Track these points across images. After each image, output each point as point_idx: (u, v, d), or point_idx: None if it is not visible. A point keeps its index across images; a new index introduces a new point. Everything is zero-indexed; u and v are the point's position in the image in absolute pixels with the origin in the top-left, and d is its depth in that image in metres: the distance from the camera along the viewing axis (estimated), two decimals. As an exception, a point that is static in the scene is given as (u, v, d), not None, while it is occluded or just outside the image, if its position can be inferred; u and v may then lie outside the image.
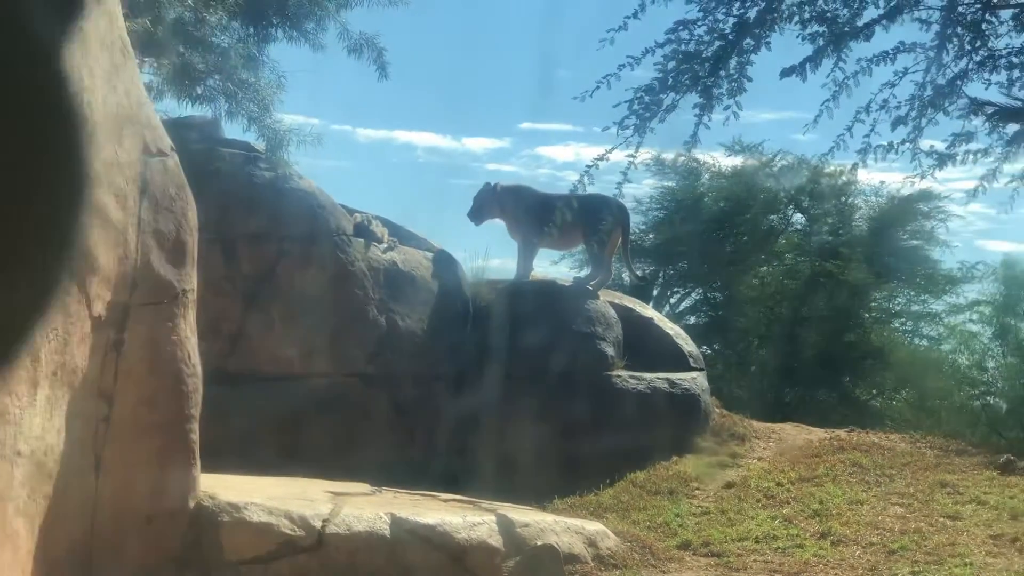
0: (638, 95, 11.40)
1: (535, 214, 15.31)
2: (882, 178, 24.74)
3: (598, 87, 11.48)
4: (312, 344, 13.37)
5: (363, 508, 10.38)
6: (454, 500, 11.52)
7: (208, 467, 9.71)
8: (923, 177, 13.49)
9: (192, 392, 9.13)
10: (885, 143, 12.89)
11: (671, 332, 15.95)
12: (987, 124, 13.36)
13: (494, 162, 41.27)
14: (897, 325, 23.32)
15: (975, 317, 23.53)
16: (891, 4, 11.91)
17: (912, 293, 23.30)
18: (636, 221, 22.97)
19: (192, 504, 9.43)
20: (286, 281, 13.39)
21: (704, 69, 11.26)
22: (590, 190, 13.35)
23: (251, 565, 9.54)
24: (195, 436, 9.30)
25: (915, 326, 23.45)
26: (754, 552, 11.75)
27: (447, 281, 14.73)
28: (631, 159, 11.84)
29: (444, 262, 14.95)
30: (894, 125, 12.60)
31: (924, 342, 23.33)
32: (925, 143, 13.26)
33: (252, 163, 13.42)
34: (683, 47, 11.35)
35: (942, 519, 12.62)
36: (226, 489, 9.88)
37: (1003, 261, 23.34)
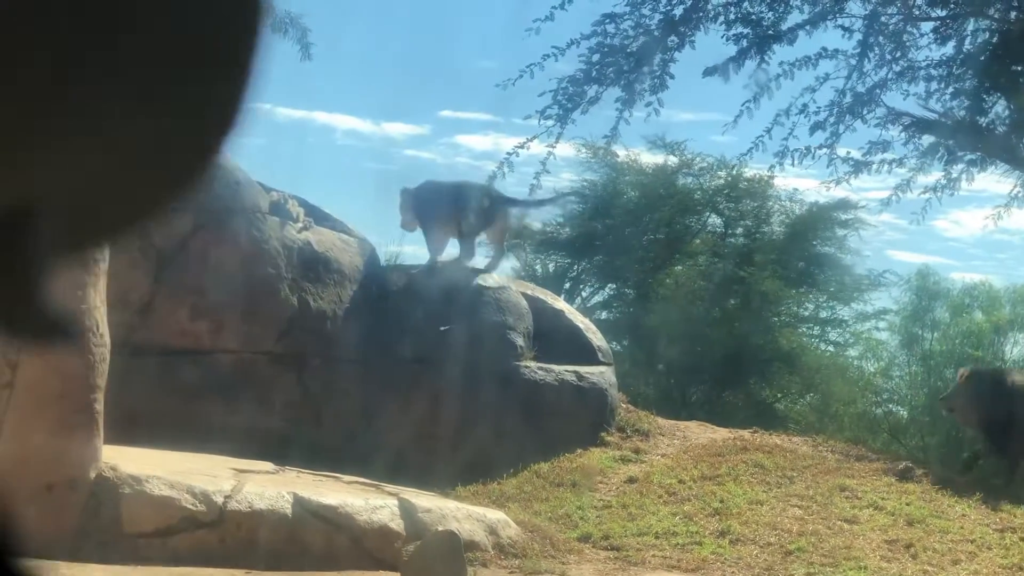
0: (562, 86, 11.46)
1: (430, 203, 15.35)
2: (798, 184, 24.92)
3: (521, 76, 11.55)
4: (221, 320, 13.29)
5: (265, 486, 10.36)
6: (357, 482, 11.51)
7: (111, 439, 9.65)
8: (838, 183, 13.68)
9: (99, 362, 9.07)
10: (803, 147, 13.05)
11: (581, 325, 15.99)
12: (903, 134, 13.56)
13: (412, 148, 41.18)
14: (805, 330, 23.53)
15: (882, 325, 23.83)
16: (815, 9, 12.03)
17: (822, 299, 23.52)
18: (552, 213, 23.02)
19: (93, 474, 9.37)
20: (198, 255, 13.29)
21: (628, 64, 11.32)
22: (508, 180, 13.40)
23: (150, 538, 9.50)
24: (99, 406, 9.24)
25: (823, 331, 23.69)
26: (653, 547, 11.82)
27: (361, 264, 14.69)
28: (551, 149, 11.90)
29: (358, 245, 14.91)
30: (812, 130, 12.76)
31: (831, 348, 23.59)
32: (842, 150, 13.44)
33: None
34: (608, 41, 11.42)
35: (839, 522, 12.76)
36: (128, 461, 9.82)
37: (917, 272, 23.64)
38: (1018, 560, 12.15)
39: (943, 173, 13.82)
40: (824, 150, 13.04)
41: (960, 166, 13.74)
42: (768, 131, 12.55)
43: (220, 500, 9.84)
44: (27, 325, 0.82)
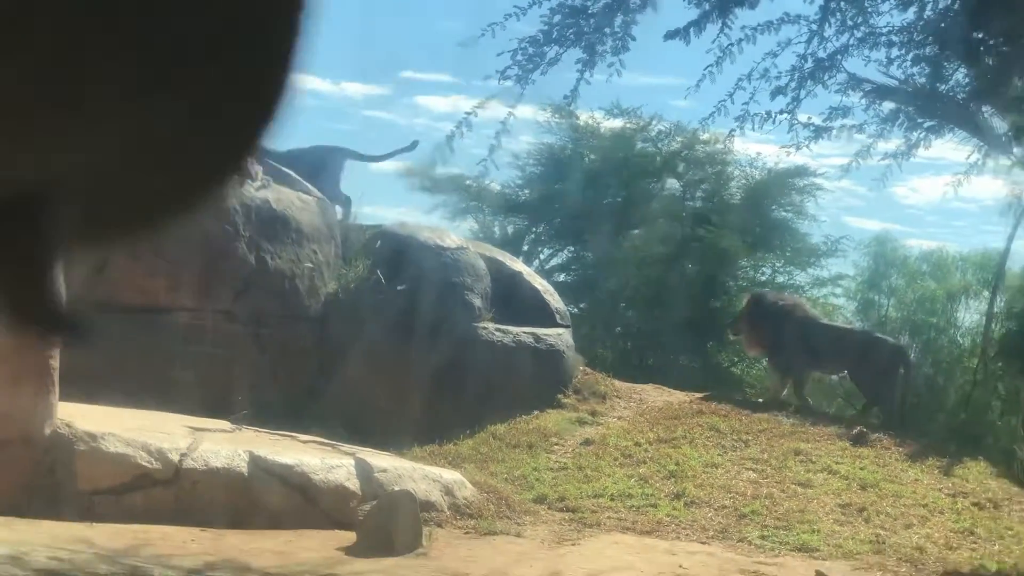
0: (521, 46, 11.41)
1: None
2: (758, 149, 25.00)
3: (483, 35, 11.47)
4: (179, 278, 13.23)
5: (222, 444, 10.34)
6: (313, 442, 11.51)
7: (67, 396, 9.60)
8: (798, 148, 13.68)
9: (54, 318, 9.00)
10: (763, 112, 13.05)
11: (540, 287, 16.01)
12: (864, 100, 13.57)
13: (372, 109, 41.05)
14: (762, 294, 23.57)
15: (839, 291, 23.93)
16: (777, -27, 12.02)
17: (779, 264, 23.58)
18: (511, 176, 23.06)
19: (48, 431, 9.33)
20: (156, 212, 13.20)
21: (589, 25, 11.29)
22: (468, 142, 13.39)
23: (105, 495, 9.48)
24: (55, 363, 9.20)
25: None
26: (608, 509, 11.87)
27: (319, 224, 14.64)
28: (511, 111, 11.85)
29: (317, 205, 14.86)
30: (773, 95, 12.75)
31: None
32: (802, 115, 13.45)
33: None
34: (569, 2, 11.38)
35: (794, 486, 12.84)
36: (84, 418, 9.79)
37: (875, 238, 23.76)
38: (969, 524, 12.26)
39: (903, 140, 13.86)
40: (785, 115, 13.04)
41: (920, 133, 13.79)
42: (730, 96, 12.54)
43: (176, 458, 9.82)
44: (32, 315, 0.79)
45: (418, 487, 10.89)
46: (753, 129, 13.20)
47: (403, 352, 13.84)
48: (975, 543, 11.86)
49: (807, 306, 18.08)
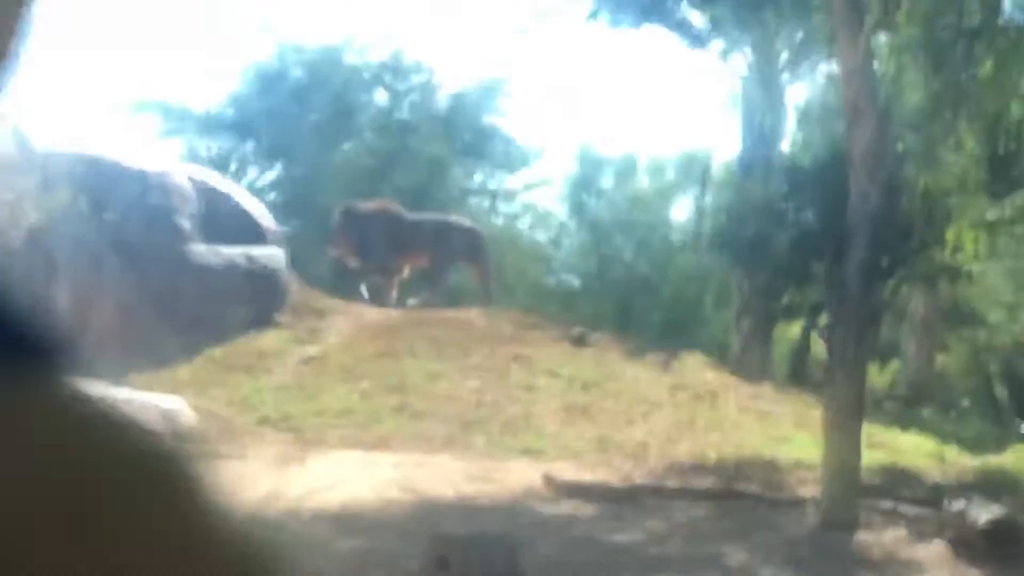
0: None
1: None
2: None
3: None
4: None
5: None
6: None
7: None
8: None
9: None
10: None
11: (248, 207, 15.64)
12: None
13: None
14: (475, 202, 23.65)
15: (553, 194, 24.19)
16: None
17: (489, 169, 23.73)
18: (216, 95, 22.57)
19: None
20: None
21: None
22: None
23: None
24: None
25: (493, 203, 23.86)
26: (332, 427, 11.84)
27: (14, 151, 14.08)
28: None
29: (11, 131, 14.28)
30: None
31: (501, 220, 23.78)
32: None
33: None
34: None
35: (517, 391, 12.93)
36: None
37: (582, 143, 24.02)
38: (689, 417, 12.54)
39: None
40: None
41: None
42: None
43: None
44: None
45: (136, 416, 10.55)
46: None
47: (112, 280, 13.43)
48: (695, 434, 12.12)
49: (395, 207, 17.82)
